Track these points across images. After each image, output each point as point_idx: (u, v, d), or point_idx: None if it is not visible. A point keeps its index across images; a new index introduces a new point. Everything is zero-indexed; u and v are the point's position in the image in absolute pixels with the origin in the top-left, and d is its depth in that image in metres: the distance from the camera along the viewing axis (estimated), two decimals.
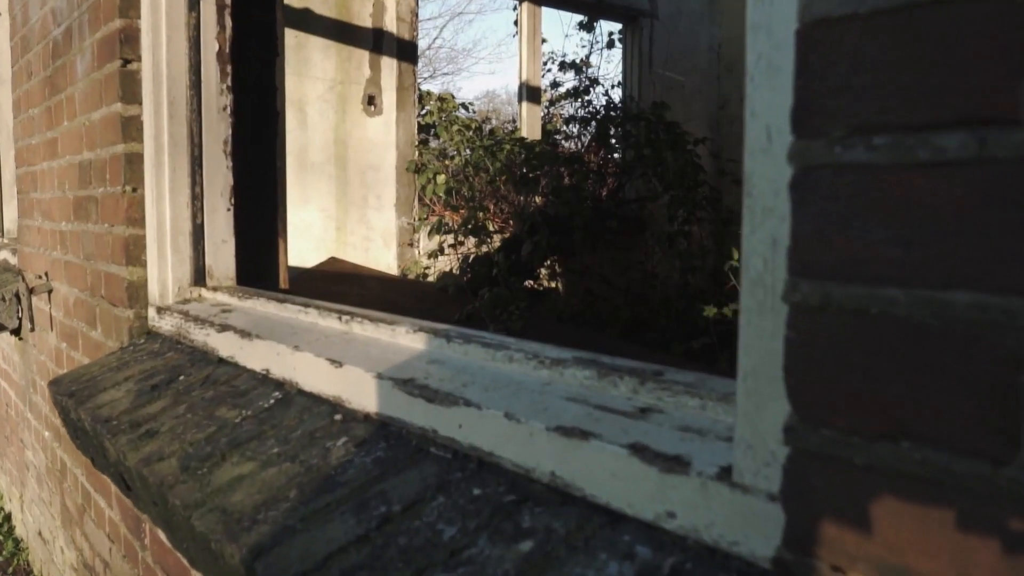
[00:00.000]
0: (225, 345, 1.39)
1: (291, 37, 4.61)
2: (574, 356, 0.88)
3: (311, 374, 1.12)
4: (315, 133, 4.84)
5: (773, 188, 0.55)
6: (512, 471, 0.79)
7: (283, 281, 1.96)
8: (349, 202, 5.01)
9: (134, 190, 1.75)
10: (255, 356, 1.29)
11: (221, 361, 1.40)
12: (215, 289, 1.70)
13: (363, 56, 4.98)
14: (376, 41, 5.01)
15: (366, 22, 4.96)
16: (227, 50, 1.73)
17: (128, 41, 1.72)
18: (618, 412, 0.77)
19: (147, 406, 1.31)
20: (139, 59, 1.73)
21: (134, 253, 1.76)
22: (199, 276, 1.72)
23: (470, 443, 0.84)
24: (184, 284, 1.71)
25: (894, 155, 0.46)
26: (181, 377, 1.39)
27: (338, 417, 1.04)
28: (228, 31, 1.72)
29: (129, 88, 1.73)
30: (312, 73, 4.82)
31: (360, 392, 1.02)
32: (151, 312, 1.75)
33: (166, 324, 1.66)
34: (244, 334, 1.32)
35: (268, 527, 0.84)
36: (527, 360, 0.91)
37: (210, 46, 1.70)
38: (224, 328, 1.40)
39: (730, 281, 5.44)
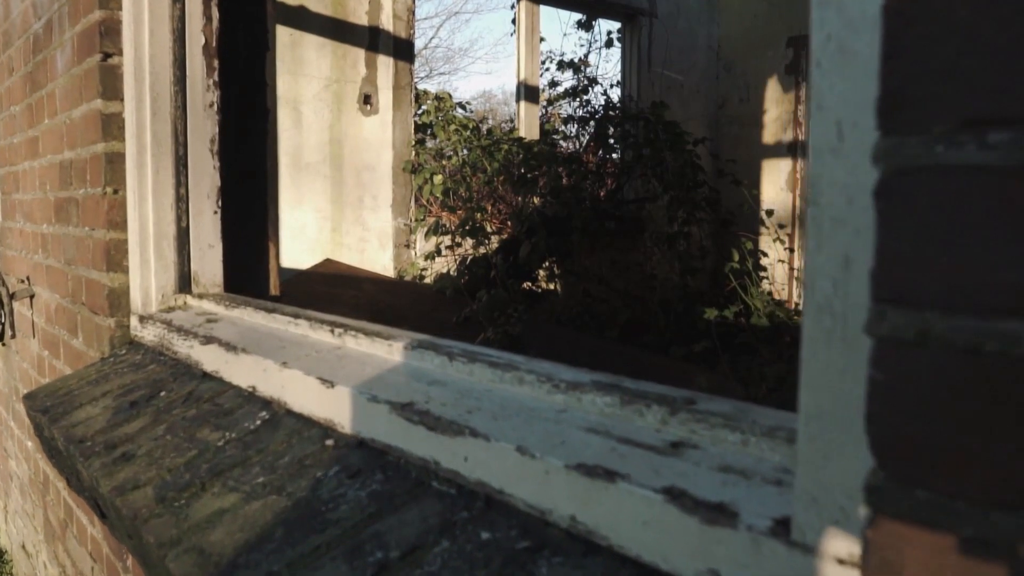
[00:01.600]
0: (209, 359, 1.29)
1: (286, 35, 4.51)
2: (592, 379, 0.79)
3: (300, 394, 1.03)
4: (310, 132, 4.74)
5: (845, 195, 0.46)
6: (525, 512, 0.70)
7: (274, 287, 1.87)
8: (344, 203, 4.92)
9: (115, 192, 1.66)
10: (241, 372, 1.19)
11: (205, 376, 1.30)
12: (201, 297, 1.60)
13: (359, 54, 4.89)
14: (372, 39, 4.91)
15: (362, 20, 4.86)
16: (214, 43, 1.63)
17: (108, 34, 1.62)
18: (646, 447, 0.68)
19: (124, 425, 1.22)
20: (120, 53, 1.63)
21: (115, 258, 1.66)
22: (184, 283, 1.63)
23: (477, 478, 0.75)
24: (168, 291, 1.61)
25: (1017, 155, 0.37)
26: (162, 393, 1.30)
27: (329, 442, 0.95)
28: (215, 23, 1.62)
29: (110, 83, 1.63)
30: (307, 71, 4.72)
31: (354, 416, 0.92)
32: (133, 321, 1.65)
33: (149, 334, 1.56)
34: (230, 347, 1.23)
35: (250, 573, 0.75)
36: (539, 383, 0.82)
37: (196, 39, 1.60)
38: (209, 340, 1.30)
39: (730, 283, 5.36)
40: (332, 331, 1.17)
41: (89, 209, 1.75)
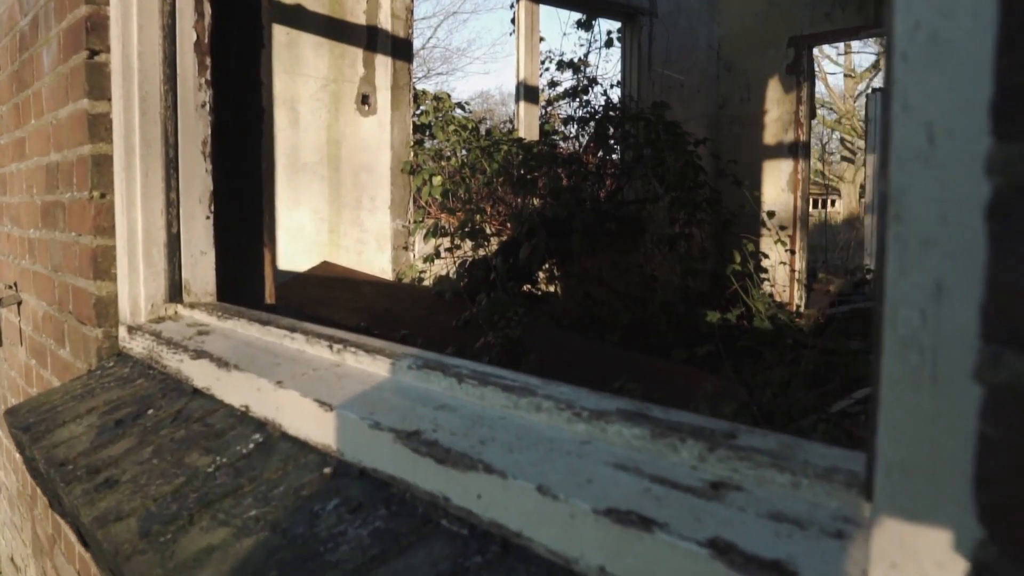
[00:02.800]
0: (200, 374, 1.22)
1: (283, 34, 4.43)
2: (618, 408, 0.72)
3: (297, 416, 0.96)
4: (307, 133, 4.66)
5: (939, 212, 0.39)
6: (548, 559, 0.63)
7: (269, 295, 1.79)
8: (342, 204, 4.84)
9: (103, 196, 1.58)
10: (233, 389, 1.12)
11: (196, 393, 1.23)
12: (192, 306, 1.52)
13: (357, 54, 4.81)
14: (370, 39, 4.83)
15: (360, 19, 4.79)
16: (206, 40, 1.56)
17: (95, 30, 1.54)
18: (683, 488, 0.60)
19: (109, 447, 1.14)
20: (108, 50, 1.55)
21: (103, 266, 1.59)
22: (175, 291, 1.55)
23: (491, 518, 0.68)
24: (158, 301, 1.53)
25: None
26: (150, 411, 1.22)
27: (328, 471, 0.87)
28: (207, 19, 1.55)
29: (97, 82, 1.56)
30: (304, 71, 4.65)
31: (355, 443, 0.85)
32: (122, 331, 1.57)
33: (137, 346, 1.49)
34: (221, 363, 1.16)
35: None
36: (559, 411, 0.75)
37: (187, 36, 1.53)
38: (199, 355, 1.23)
39: (731, 285, 5.29)
40: (331, 347, 1.09)
41: (75, 214, 1.67)
